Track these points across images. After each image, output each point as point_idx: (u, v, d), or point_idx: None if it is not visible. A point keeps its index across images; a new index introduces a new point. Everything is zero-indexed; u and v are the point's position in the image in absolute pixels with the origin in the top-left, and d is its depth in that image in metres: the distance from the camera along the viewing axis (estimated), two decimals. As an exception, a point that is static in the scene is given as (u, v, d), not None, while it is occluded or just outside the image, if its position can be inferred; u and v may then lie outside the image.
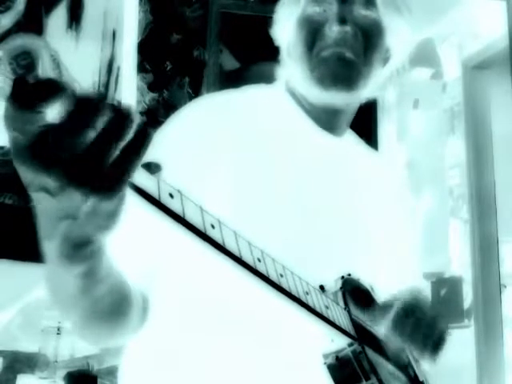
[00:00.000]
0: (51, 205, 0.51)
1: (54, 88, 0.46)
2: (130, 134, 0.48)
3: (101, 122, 0.47)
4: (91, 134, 0.46)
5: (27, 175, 0.48)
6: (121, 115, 0.48)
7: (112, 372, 2.23)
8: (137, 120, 0.49)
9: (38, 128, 0.45)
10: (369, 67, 0.97)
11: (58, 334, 2.31)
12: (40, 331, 2.33)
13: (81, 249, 0.55)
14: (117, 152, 0.47)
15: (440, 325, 0.91)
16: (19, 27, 2.54)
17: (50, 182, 0.47)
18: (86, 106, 0.47)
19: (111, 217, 0.53)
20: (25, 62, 2.51)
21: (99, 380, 2.33)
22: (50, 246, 0.56)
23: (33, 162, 0.46)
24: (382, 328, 0.87)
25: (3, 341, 2.39)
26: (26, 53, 2.52)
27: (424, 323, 0.88)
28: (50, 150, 0.45)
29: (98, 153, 0.46)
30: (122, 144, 0.48)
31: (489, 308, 2.92)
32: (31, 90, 0.45)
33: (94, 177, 0.47)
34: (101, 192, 0.47)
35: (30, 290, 2.28)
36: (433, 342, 0.89)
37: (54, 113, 0.46)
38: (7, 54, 2.48)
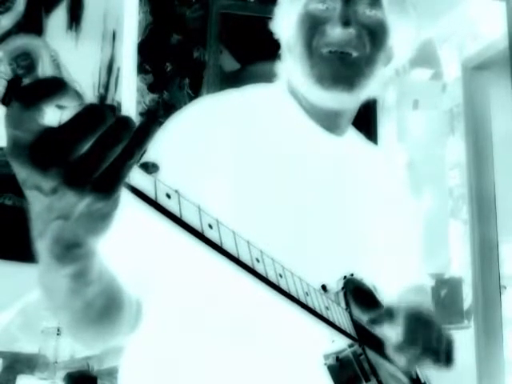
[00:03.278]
0: (44, 204, 0.50)
1: (57, 86, 0.46)
2: (127, 138, 0.48)
3: (101, 128, 0.47)
4: (90, 139, 0.46)
5: (22, 173, 0.48)
6: (120, 122, 0.48)
7: (112, 373, 2.23)
8: (135, 124, 0.49)
9: (38, 127, 0.45)
10: (371, 67, 0.96)
11: (57, 334, 2.31)
12: (40, 332, 2.32)
13: (72, 250, 0.55)
14: (114, 155, 0.47)
15: (446, 332, 0.91)
16: (19, 28, 2.54)
17: (44, 181, 0.47)
18: (89, 111, 0.47)
19: (104, 219, 0.52)
20: (25, 63, 2.51)
21: (99, 381, 2.33)
22: (41, 245, 0.56)
23: (30, 162, 0.46)
24: (388, 336, 0.86)
25: (3, 341, 2.38)
26: (26, 53, 2.52)
27: (434, 336, 0.88)
28: (48, 151, 0.45)
29: (94, 156, 0.47)
30: (120, 147, 0.48)
31: (489, 309, 2.91)
32: (35, 88, 0.45)
33: (90, 179, 0.47)
34: (95, 193, 0.47)
35: (30, 290, 2.27)
36: (445, 353, 0.89)
37: (56, 113, 0.46)
38: (7, 54, 2.48)
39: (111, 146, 0.47)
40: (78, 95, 0.47)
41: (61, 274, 0.58)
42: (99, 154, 0.47)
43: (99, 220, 0.52)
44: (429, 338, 0.87)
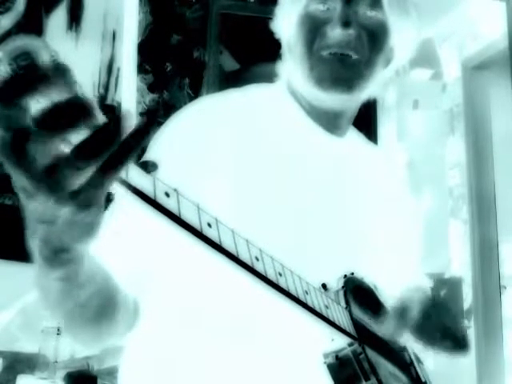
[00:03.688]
0: (32, 206, 0.50)
1: (37, 79, 0.44)
2: (114, 145, 0.45)
3: (82, 125, 0.44)
4: (72, 139, 0.44)
5: (12, 174, 0.47)
6: (106, 128, 0.45)
7: (112, 372, 2.23)
8: (126, 129, 0.46)
9: (19, 126, 0.44)
10: (371, 68, 0.96)
11: (57, 334, 2.30)
12: (40, 332, 2.32)
13: (59, 255, 0.54)
14: (95, 164, 0.45)
15: (458, 317, 0.91)
16: (19, 28, 2.54)
17: (28, 185, 0.46)
18: (71, 105, 0.45)
19: (89, 227, 0.51)
20: (25, 63, 2.51)
21: (99, 380, 2.33)
22: (34, 245, 0.56)
23: (12, 161, 0.45)
24: (396, 332, 0.86)
25: (3, 341, 2.38)
26: (25, 54, 2.51)
27: (451, 320, 0.88)
28: (27, 152, 0.44)
29: (70, 168, 0.45)
30: (104, 156, 0.45)
31: (489, 309, 2.91)
32: (11, 84, 0.44)
33: (66, 191, 0.45)
34: (77, 204, 0.46)
35: (30, 290, 2.27)
36: (462, 337, 0.89)
37: (38, 111, 0.43)
38: (7, 54, 2.47)
39: (92, 157, 0.44)
40: (68, 84, 0.45)
41: (51, 276, 0.58)
42: (77, 165, 0.44)
43: (84, 228, 0.51)
44: (447, 323, 0.87)
